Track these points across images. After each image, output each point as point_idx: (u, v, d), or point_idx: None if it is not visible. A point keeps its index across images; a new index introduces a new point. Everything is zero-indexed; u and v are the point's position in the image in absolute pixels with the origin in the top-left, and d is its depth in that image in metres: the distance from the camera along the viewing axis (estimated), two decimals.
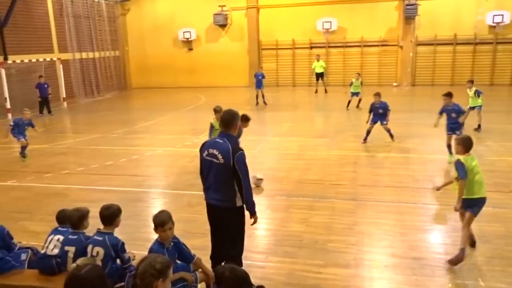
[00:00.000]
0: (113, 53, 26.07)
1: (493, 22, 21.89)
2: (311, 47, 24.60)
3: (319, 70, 22.05)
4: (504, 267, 5.13)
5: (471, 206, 5.28)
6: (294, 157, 10.40)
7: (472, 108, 12.38)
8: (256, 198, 7.44)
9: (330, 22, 23.62)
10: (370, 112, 11.60)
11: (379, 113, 11.43)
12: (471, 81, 12.74)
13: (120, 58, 26.92)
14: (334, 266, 5.27)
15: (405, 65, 23.43)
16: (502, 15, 21.63)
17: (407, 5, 22.22)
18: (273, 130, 13.89)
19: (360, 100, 16.61)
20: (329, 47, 24.32)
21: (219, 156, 4.31)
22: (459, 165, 5.22)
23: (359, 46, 23.90)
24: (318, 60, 22.18)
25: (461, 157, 5.30)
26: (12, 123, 11.02)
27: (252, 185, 7.43)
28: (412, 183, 8.26)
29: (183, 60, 26.48)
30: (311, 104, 19.99)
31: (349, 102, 16.77)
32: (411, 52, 23.21)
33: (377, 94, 11.63)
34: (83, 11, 23.13)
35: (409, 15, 22.40)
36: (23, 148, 11.00)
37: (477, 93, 12.39)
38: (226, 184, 4.32)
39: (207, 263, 4.78)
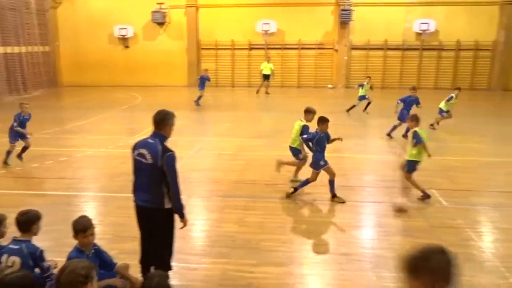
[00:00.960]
0: (42, 48, 24.57)
1: (420, 30, 23.39)
2: (251, 48, 24.81)
3: (267, 71, 22.28)
4: None
5: (414, 167, 7.25)
6: (232, 157, 10.41)
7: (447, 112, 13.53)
8: (191, 200, 7.45)
9: (269, 24, 23.98)
10: (402, 101, 12.28)
11: (409, 109, 12.04)
12: (458, 88, 13.93)
13: (50, 53, 25.45)
14: (267, 264, 5.33)
15: (340, 68, 24.35)
16: (428, 23, 23.16)
17: (342, 10, 23.09)
18: (211, 130, 13.84)
19: (369, 104, 16.28)
20: (268, 48, 24.65)
21: (148, 156, 4.20)
22: (416, 134, 7.14)
23: (297, 48, 24.48)
24: (268, 62, 22.41)
25: (417, 129, 7.21)
26: (15, 123, 9.31)
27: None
28: (344, 182, 8.53)
29: (120, 58, 25.60)
30: (251, 105, 20.15)
31: (354, 106, 16.13)
32: (345, 56, 24.15)
33: (414, 88, 12.61)
34: (8, 2, 21.58)
35: (344, 20, 23.29)
36: (24, 149, 9.67)
37: (450, 99, 13.48)
38: (154, 185, 4.22)
39: (137, 267, 4.65)
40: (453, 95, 13.45)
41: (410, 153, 7.28)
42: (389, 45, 23.86)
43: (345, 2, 23.16)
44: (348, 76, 24.51)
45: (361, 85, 16.18)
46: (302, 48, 24.43)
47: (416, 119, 7.38)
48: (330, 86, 24.38)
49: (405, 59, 24.05)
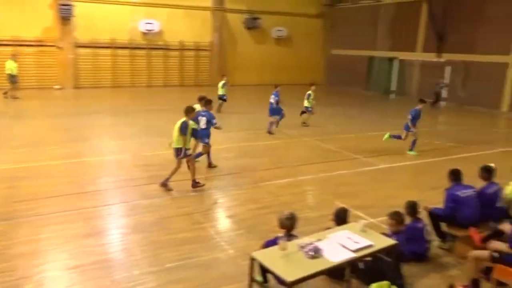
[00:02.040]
0: None
1: (145, 30, 24.16)
2: None
3: (14, 71, 18.80)
4: (156, 251, 5.70)
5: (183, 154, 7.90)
6: None
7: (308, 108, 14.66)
8: None
9: None
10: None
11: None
12: (312, 84, 14.87)
13: None
14: None
15: (66, 67, 22.64)
16: (152, 23, 24.15)
17: (61, 4, 21.43)
18: None
19: (223, 102, 16.98)
20: None
21: None
22: (185, 124, 7.77)
23: (12, 45, 21.35)
24: (13, 61, 18.90)
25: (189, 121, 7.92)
26: None
27: None
28: (74, 189, 8.04)
29: None
30: None
31: (220, 105, 16.83)
32: (71, 54, 22.63)
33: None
34: None
35: (64, 15, 21.68)
36: None
37: (308, 96, 14.55)
38: None
39: None
40: (310, 92, 14.56)
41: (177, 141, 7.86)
42: (117, 44, 23.71)
43: None
44: (76, 76, 23.08)
45: (224, 85, 17.28)
46: (19, 45, 21.46)
47: (186, 111, 7.90)
48: (57, 87, 22.41)
49: (134, 58, 24.40)
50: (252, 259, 4.05)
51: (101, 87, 23.29)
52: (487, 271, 5.11)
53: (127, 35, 23.91)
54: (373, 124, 15.98)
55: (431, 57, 22.95)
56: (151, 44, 24.65)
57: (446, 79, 20.08)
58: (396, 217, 5.36)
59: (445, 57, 22.34)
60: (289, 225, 4.53)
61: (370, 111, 19.04)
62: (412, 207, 5.71)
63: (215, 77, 26.58)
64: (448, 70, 22.29)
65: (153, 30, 24.26)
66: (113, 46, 23.61)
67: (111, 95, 22.01)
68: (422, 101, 11.77)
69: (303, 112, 14.90)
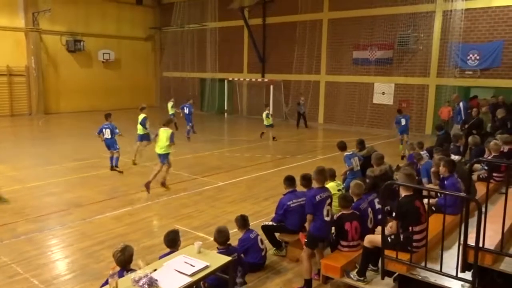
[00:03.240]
0: None
1: None
2: None
3: None
4: None
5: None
6: None
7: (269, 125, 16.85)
8: None
9: None
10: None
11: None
12: (267, 105, 18.40)
13: None
14: None
15: None
16: None
17: None
18: None
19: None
20: None
21: None
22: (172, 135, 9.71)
23: None
24: None
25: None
26: None
27: None
28: None
29: None
30: None
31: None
32: None
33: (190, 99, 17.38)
34: None
35: None
36: None
37: (267, 115, 16.80)
38: None
39: None
40: (267, 111, 17.08)
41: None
42: None
43: None
44: None
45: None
46: None
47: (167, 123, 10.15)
48: None
49: None
50: None
51: None
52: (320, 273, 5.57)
53: None
54: (208, 143, 16.36)
55: (257, 77, 24.83)
56: None
57: (303, 100, 21.27)
58: (217, 234, 5.21)
59: (268, 77, 24.42)
60: (122, 260, 4.18)
61: (205, 130, 19.51)
62: (242, 220, 5.91)
63: (37, 104, 23.93)
64: (271, 88, 24.34)
65: None
66: None
67: None
68: (400, 111, 14.45)
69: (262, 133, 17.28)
